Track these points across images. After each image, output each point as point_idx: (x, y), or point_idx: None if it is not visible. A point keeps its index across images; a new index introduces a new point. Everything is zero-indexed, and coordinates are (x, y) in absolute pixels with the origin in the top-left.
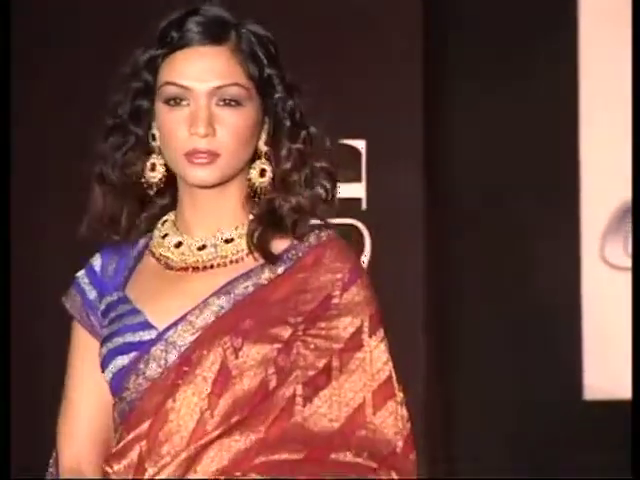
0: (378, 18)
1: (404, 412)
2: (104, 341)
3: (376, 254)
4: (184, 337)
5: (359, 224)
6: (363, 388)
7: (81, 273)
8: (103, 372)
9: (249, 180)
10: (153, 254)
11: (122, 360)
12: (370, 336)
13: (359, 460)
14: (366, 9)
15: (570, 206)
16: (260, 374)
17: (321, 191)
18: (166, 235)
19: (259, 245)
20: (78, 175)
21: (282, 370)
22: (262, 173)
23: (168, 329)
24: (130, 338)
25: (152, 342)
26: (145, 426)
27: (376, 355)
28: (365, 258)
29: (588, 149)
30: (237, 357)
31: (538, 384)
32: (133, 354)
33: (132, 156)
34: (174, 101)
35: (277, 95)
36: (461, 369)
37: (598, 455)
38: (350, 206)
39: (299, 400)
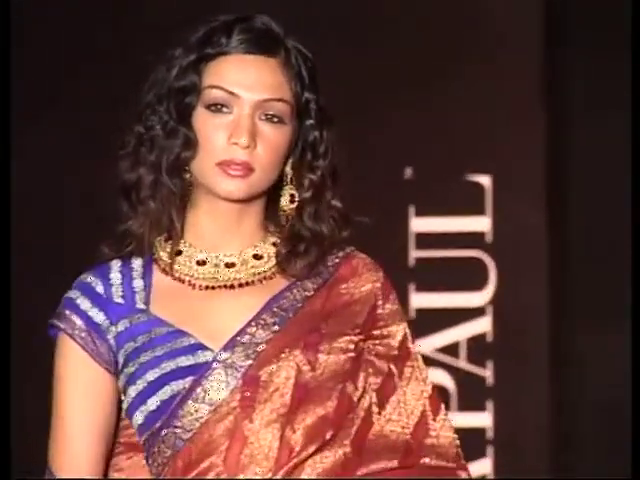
0: (502, 54)
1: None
2: (146, 367)
3: (501, 286)
4: (243, 357)
5: (484, 256)
6: (421, 396)
7: (76, 294)
8: (144, 401)
9: (280, 207)
10: (166, 271)
11: (177, 386)
12: (413, 344)
13: (442, 463)
14: (490, 45)
15: None
16: (339, 386)
17: (326, 230)
18: (180, 252)
19: (290, 266)
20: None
21: (359, 380)
22: (291, 198)
23: (224, 350)
24: (185, 362)
25: (209, 365)
26: (221, 451)
27: (421, 363)
28: (490, 290)
29: None
30: (313, 369)
31: None
32: (189, 378)
33: (185, 157)
34: (215, 107)
35: (309, 122)
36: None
37: None
38: (475, 239)
39: (375, 408)
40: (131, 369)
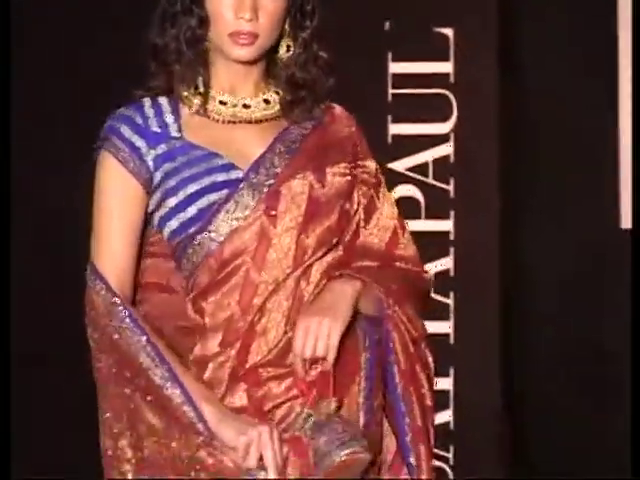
0: None
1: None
2: (186, 181)
3: (461, 118)
4: (265, 177)
5: (448, 93)
6: (393, 215)
7: (118, 123)
8: (183, 209)
9: (278, 55)
10: (192, 108)
11: (213, 197)
12: (383, 174)
13: (409, 266)
14: None
15: None
16: (340, 201)
17: (316, 76)
18: (202, 93)
19: (291, 112)
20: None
21: (354, 199)
22: (287, 48)
23: (250, 170)
24: (220, 177)
25: (239, 182)
26: (250, 250)
27: (388, 191)
28: (452, 121)
29: None
30: (323, 186)
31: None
32: (225, 191)
33: (200, 33)
34: None
35: None
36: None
37: None
38: (441, 79)
39: (362, 223)
40: (172, 182)
